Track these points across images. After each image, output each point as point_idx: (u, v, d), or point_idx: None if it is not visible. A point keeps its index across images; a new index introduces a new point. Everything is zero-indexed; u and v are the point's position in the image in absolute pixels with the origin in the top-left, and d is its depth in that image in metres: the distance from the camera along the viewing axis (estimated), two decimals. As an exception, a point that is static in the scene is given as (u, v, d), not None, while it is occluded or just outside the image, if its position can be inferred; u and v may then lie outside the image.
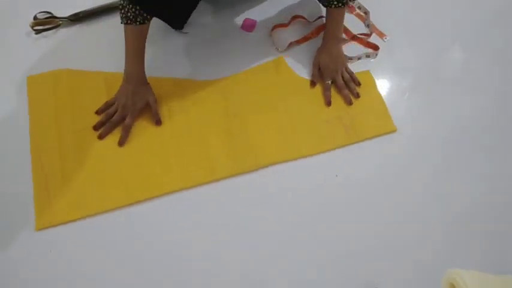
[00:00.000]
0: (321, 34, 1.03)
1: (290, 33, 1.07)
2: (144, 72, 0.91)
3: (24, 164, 0.86)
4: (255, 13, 1.08)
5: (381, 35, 1.07)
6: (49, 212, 0.82)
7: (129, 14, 0.82)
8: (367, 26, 1.08)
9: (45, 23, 1.04)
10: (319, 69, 0.99)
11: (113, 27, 1.06)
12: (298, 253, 0.83)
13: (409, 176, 0.91)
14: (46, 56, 1.01)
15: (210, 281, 0.79)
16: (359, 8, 1.10)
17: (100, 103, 0.93)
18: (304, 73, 1.01)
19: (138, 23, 0.84)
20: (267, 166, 0.89)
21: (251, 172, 0.89)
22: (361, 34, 1.06)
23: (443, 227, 0.87)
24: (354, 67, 1.02)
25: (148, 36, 0.90)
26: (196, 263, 0.80)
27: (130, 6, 0.81)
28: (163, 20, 0.94)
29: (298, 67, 1.02)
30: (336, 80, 0.97)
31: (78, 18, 1.06)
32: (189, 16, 0.98)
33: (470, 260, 0.83)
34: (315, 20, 1.08)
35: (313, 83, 0.98)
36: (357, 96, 0.96)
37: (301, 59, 1.03)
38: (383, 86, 1.01)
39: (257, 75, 1.00)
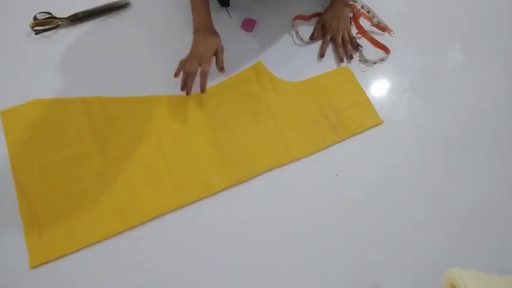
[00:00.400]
0: None
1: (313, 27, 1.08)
2: (211, 21, 0.95)
3: (11, 202, 0.83)
4: (255, 13, 1.08)
5: (389, 30, 1.07)
6: (43, 248, 0.79)
7: None
8: (377, 22, 1.08)
9: (45, 23, 1.04)
10: (323, 27, 1.05)
11: (113, 28, 1.06)
12: (298, 253, 0.83)
13: (410, 176, 0.91)
14: (46, 56, 1.01)
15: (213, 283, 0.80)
16: (362, 7, 1.10)
17: (81, 129, 0.90)
18: (293, 76, 1.01)
19: None
20: (260, 174, 0.89)
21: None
22: (374, 25, 1.08)
23: (443, 227, 0.87)
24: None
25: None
26: (203, 277, 0.80)
27: None
28: None
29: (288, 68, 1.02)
30: (335, 38, 1.03)
31: (78, 19, 1.05)
32: None
33: (470, 260, 0.83)
34: None
35: (312, 36, 1.05)
36: (350, 57, 1.02)
37: (292, 61, 1.03)
38: (383, 86, 1.01)
39: (238, 83, 0.98)
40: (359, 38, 1.06)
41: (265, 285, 0.80)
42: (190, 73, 0.90)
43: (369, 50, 1.05)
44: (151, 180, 0.87)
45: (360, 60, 1.04)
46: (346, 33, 1.03)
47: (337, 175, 0.90)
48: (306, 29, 1.07)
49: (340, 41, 1.03)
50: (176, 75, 0.92)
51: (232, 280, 0.80)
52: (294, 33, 1.06)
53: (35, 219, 0.82)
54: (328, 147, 0.93)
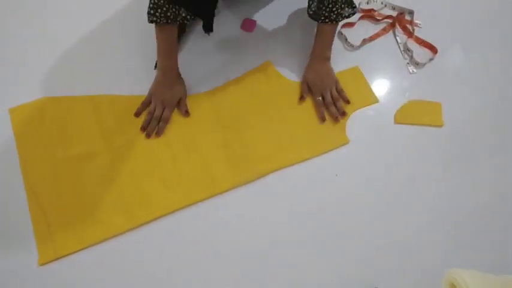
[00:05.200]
0: (391, 32, 1.08)
1: (361, 31, 1.07)
2: (177, 65, 0.94)
3: (21, 199, 0.84)
4: (255, 13, 1.08)
5: (414, 24, 1.08)
6: (51, 245, 0.80)
7: (168, 14, 0.82)
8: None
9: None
10: (309, 88, 0.98)
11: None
12: (298, 253, 0.83)
13: (410, 176, 0.91)
14: (54, 54, 1.00)
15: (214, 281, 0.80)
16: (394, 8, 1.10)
17: (88, 127, 0.91)
18: (294, 76, 1.01)
19: (177, 22, 0.86)
20: (267, 174, 0.89)
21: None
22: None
23: (444, 227, 0.87)
24: (345, 61, 1.02)
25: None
26: (207, 274, 0.81)
27: (170, 6, 0.82)
28: (202, 18, 0.96)
29: (290, 69, 1.02)
30: (324, 97, 0.96)
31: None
32: (214, 16, 0.99)
33: (470, 260, 0.83)
34: (383, 19, 1.09)
35: (302, 98, 0.97)
36: (343, 114, 0.95)
37: (293, 61, 1.03)
38: (384, 85, 1.01)
39: (246, 83, 0.98)
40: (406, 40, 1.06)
41: (265, 284, 0.80)
42: (156, 117, 0.92)
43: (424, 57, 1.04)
44: (159, 179, 0.87)
45: (408, 63, 1.03)
46: (334, 90, 0.96)
47: (337, 175, 0.90)
48: (359, 31, 1.07)
49: (330, 99, 0.95)
50: (137, 115, 0.93)
51: (233, 277, 0.80)
52: (343, 40, 1.05)
53: (44, 216, 0.83)
54: (337, 147, 0.93)
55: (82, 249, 0.81)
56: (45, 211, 0.83)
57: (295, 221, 0.86)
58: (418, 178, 0.91)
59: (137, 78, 0.98)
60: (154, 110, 0.92)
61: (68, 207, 0.84)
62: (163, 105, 0.92)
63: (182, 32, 1.02)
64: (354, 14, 0.91)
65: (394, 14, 1.10)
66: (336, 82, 0.98)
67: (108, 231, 0.82)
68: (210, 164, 0.89)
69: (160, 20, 0.83)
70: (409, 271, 0.83)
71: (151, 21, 0.84)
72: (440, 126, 0.96)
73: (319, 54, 0.97)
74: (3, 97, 0.94)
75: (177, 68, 0.94)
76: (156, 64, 0.98)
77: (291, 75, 1.01)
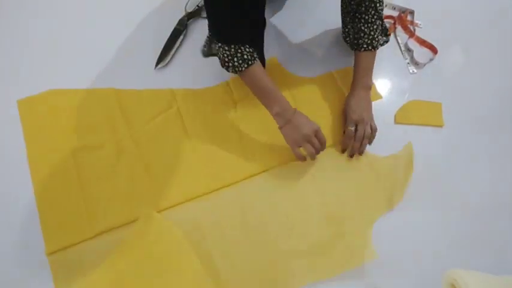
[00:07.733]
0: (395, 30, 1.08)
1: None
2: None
3: (28, 189, 0.85)
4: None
5: (415, 24, 1.08)
6: (58, 235, 0.82)
7: (245, 57, 0.79)
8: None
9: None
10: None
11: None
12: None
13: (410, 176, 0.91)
14: (61, 48, 1.00)
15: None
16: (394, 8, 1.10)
17: (94, 120, 0.92)
18: (298, 71, 1.01)
19: (256, 59, 0.81)
20: (271, 168, 0.89)
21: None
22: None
23: (443, 227, 0.87)
24: (346, 59, 1.01)
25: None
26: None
27: (243, 48, 0.79)
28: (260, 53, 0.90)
29: (299, 66, 1.02)
30: (358, 129, 0.89)
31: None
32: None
33: (470, 260, 0.83)
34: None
35: (347, 131, 0.90)
36: (361, 153, 0.91)
37: (297, 57, 1.03)
38: (384, 85, 1.01)
39: None
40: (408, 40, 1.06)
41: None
42: (312, 154, 0.83)
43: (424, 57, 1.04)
44: (164, 171, 0.88)
45: (408, 63, 1.04)
46: (368, 127, 0.89)
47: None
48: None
49: (362, 134, 0.88)
50: (302, 160, 0.86)
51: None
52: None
53: (50, 206, 0.84)
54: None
55: (88, 239, 0.82)
56: (51, 201, 0.84)
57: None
58: (417, 178, 0.91)
59: (142, 74, 0.98)
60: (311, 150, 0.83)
61: (73, 197, 0.85)
62: (310, 139, 0.82)
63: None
64: (387, 42, 0.94)
65: (395, 14, 1.10)
66: (372, 118, 0.91)
67: (114, 221, 0.83)
68: (215, 158, 0.90)
69: (240, 68, 0.80)
70: (410, 271, 0.83)
71: (235, 72, 0.81)
72: (440, 126, 0.97)
73: (363, 82, 0.91)
74: (12, 89, 0.95)
75: (290, 105, 0.83)
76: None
77: (294, 71, 1.01)
